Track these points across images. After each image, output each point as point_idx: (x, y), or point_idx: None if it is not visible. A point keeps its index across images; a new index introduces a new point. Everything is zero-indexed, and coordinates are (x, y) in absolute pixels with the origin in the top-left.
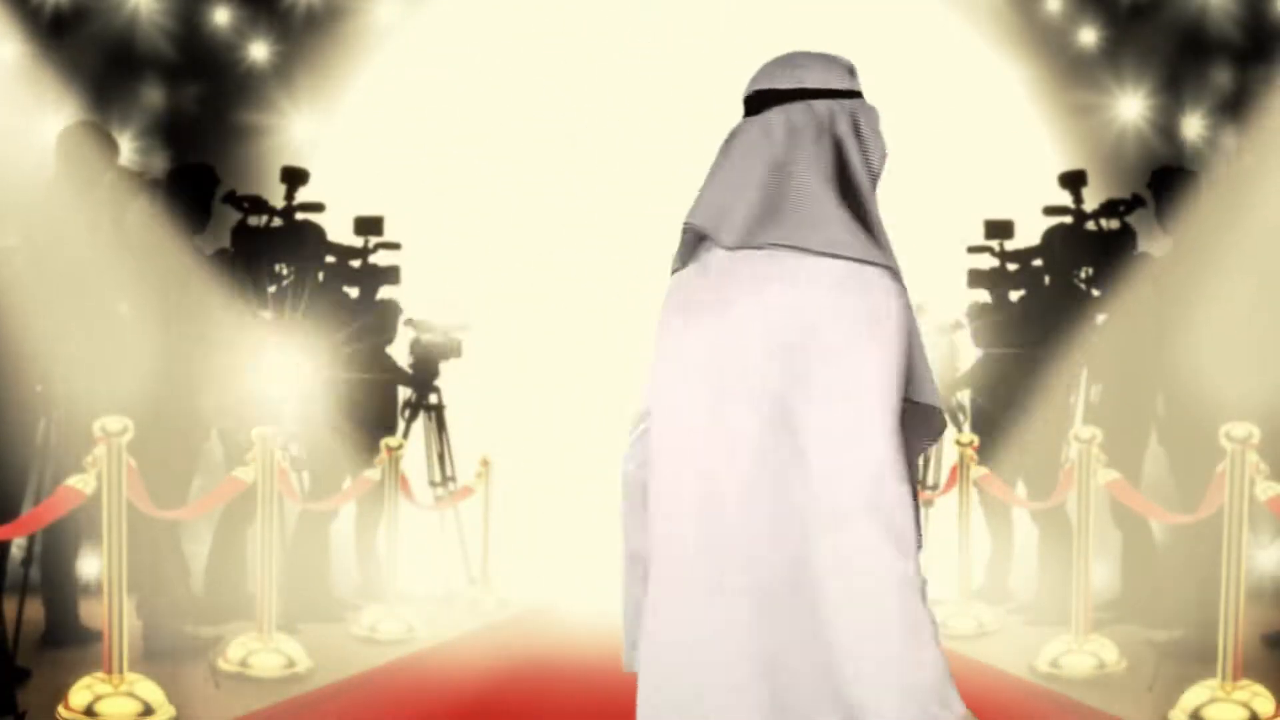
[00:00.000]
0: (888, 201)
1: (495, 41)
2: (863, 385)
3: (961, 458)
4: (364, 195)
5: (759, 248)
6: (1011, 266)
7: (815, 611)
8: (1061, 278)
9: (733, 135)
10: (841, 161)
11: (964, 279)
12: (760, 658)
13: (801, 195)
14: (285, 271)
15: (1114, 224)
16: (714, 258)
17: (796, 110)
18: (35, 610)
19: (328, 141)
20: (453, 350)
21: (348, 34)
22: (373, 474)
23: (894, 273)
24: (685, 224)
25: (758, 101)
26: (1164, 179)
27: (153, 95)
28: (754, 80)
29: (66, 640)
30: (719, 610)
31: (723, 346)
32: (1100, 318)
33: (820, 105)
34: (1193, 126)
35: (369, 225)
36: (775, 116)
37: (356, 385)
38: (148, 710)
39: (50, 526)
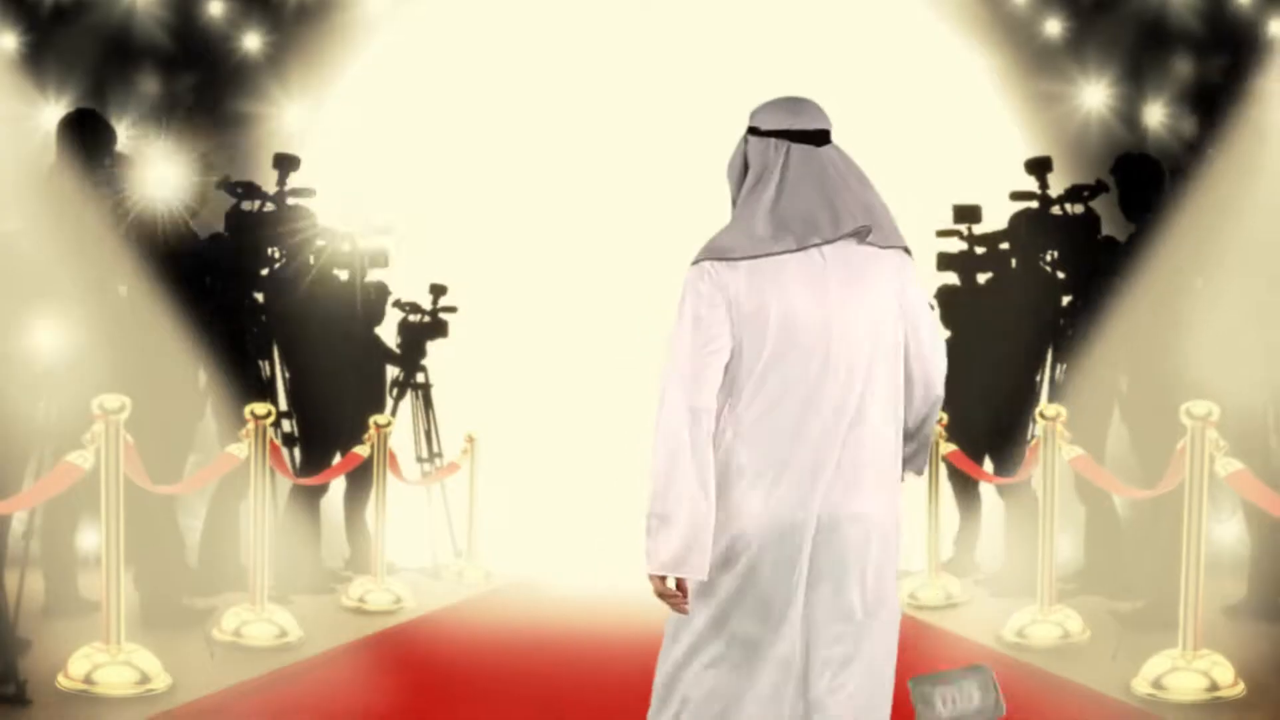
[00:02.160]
0: None
1: (481, 31)
2: None
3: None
4: (353, 181)
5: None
6: (979, 250)
7: None
8: (1028, 261)
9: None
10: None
11: (933, 262)
12: None
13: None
14: (277, 255)
15: (1078, 209)
16: None
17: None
18: (36, 582)
19: (318, 129)
20: (439, 330)
21: (338, 25)
22: (362, 450)
23: None
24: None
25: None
26: (1127, 165)
27: (149, 84)
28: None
29: (66, 611)
30: None
31: None
32: (1065, 299)
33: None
34: (1154, 114)
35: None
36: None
37: (346, 364)
38: (145, 679)
39: (50, 501)
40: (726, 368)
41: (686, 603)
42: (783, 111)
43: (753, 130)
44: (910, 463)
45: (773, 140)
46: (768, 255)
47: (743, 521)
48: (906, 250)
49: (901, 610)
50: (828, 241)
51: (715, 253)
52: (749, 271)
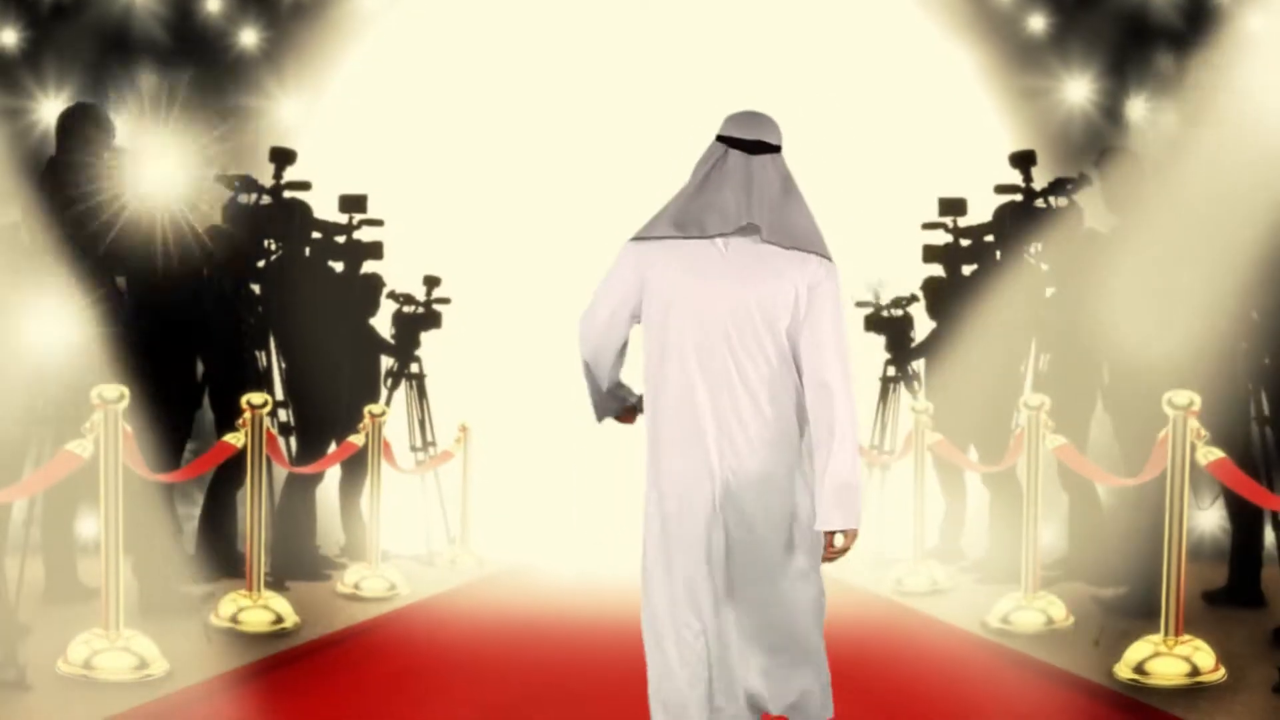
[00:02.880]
0: (849, 181)
1: (474, 25)
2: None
3: (917, 424)
4: (349, 174)
5: None
6: (964, 242)
7: None
8: (1012, 253)
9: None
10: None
11: (919, 254)
12: None
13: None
14: (274, 247)
15: (1062, 201)
16: None
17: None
18: (36, 569)
19: (314, 123)
20: (433, 321)
21: (333, 20)
22: (357, 439)
23: None
24: None
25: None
26: (1109, 158)
27: (147, 79)
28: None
29: (65, 597)
30: None
31: None
32: (1049, 291)
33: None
34: (1136, 108)
35: (353, 203)
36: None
37: (341, 355)
38: (143, 664)
39: (50, 489)
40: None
41: None
42: (733, 122)
43: (716, 135)
44: (820, 504)
45: (717, 145)
46: (672, 238)
47: (666, 481)
48: (826, 257)
49: (888, 596)
50: (726, 234)
51: (639, 233)
52: (661, 250)
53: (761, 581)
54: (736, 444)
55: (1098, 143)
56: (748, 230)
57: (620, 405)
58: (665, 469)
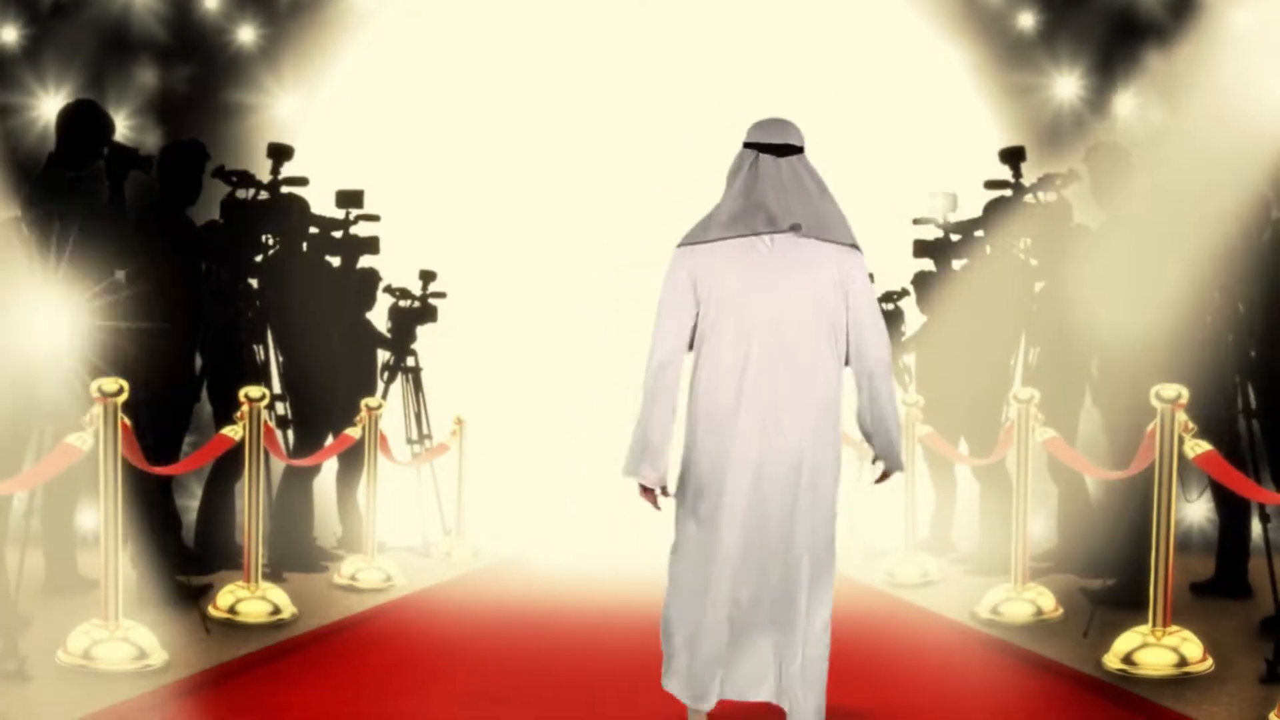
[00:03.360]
0: (842, 177)
1: (470, 21)
2: None
3: (907, 417)
4: (345, 170)
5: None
6: (955, 237)
7: None
8: (1001, 247)
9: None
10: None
11: (910, 249)
12: None
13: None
14: (271, 242)
15: (1051, 197)
16: None
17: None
18: (36, 561)
19: (311, 119)
20: (429, 315)
21: (330, 18)
22: (353, 432)
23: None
24: None
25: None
26: (1097, 154)
27: (146, 76)
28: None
29: (65, 589)
30: None
31: None
32: (1038, 285)
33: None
34: (1124, 104)
35: (350, 198)
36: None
37: (337, 348)
38: (142, 655)
39: (50, 482)
40: (694, 329)
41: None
42: (758, 128)
43: (746, 143)
44: (884, 452)
45: (746, 151)
46: (722, 240)
47: (704, 458)
48: (855, 247)
49: (879, 587)
50: (773, 232)
51: (688, 236)
52: (699, 255)
53: (793, 559)
54: (782, 423)
55: (1087, 138)
56: (791, 227)
57: (653, 468)
58: (702, 445)
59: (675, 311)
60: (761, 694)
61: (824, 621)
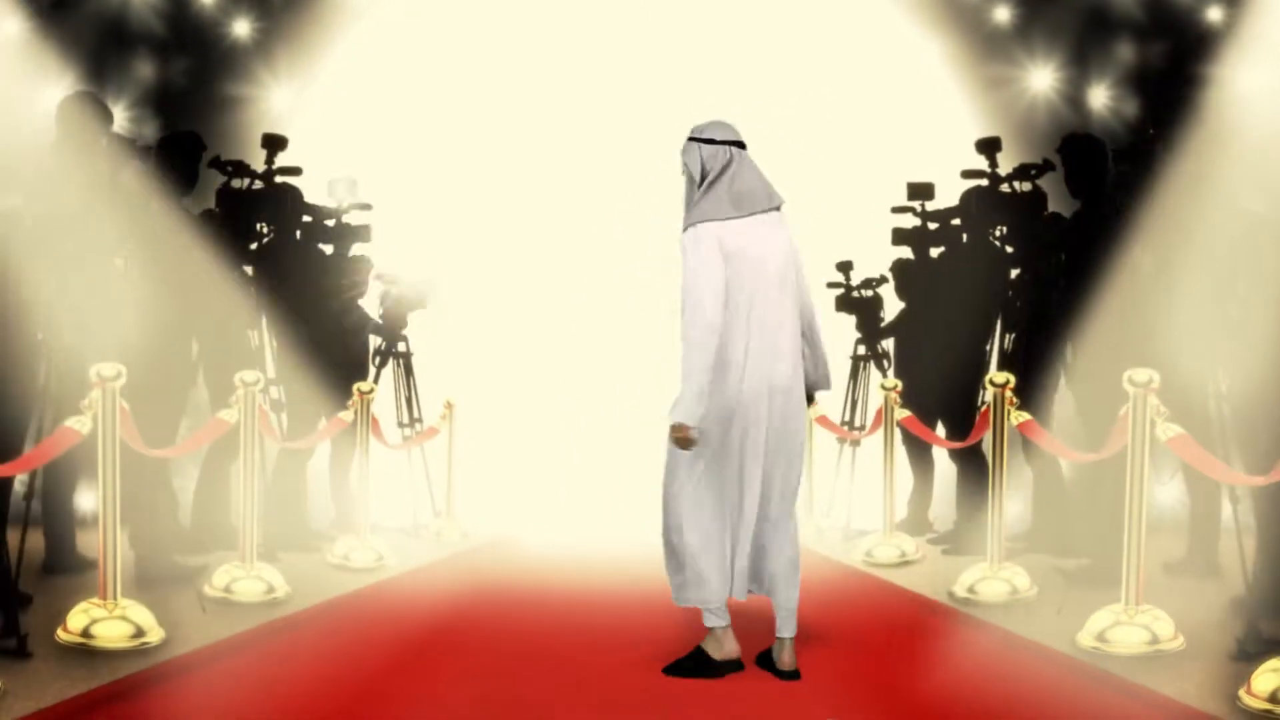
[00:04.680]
0: (821, 166)
1: (462, 13)
2: None
3: (886, 401)
4: (338, 159)
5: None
6: (932, 225)
7: None
8: (978, 236)
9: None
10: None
11: (889, 237)
12: None
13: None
14: (266, 230)
15: (1026, 186)
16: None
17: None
18: (36, 541)
19: (305, 110)
20: (420, 302)
21: (324, 11)
22: (346, 416)
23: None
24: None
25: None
26: (1072, 145)
27: (144, 68)
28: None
29: (65, 569)
30: None
31: None
32: (1013, 272)
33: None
34: (1098, 97)
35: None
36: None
37: (331, 334)
38: (140, 633)
39: (50, 464)
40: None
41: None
42: (719, 128)
43: (707, 140)
44: (820, 377)
45: (722, 147)
46: (731, 219)
47: (729, 392)
48: (778, 209)
49: (857, 567)
50: (763, 210)
51: (704, 216)
52: (722, 229)
53: (791, 460)
54: (778, 367)
55: (1061, 129)
56: (776, 206)
57: (705, 410)
58: (718, 382)
59: (718, 275)
60: (752, 590)
61: (796, 527)
